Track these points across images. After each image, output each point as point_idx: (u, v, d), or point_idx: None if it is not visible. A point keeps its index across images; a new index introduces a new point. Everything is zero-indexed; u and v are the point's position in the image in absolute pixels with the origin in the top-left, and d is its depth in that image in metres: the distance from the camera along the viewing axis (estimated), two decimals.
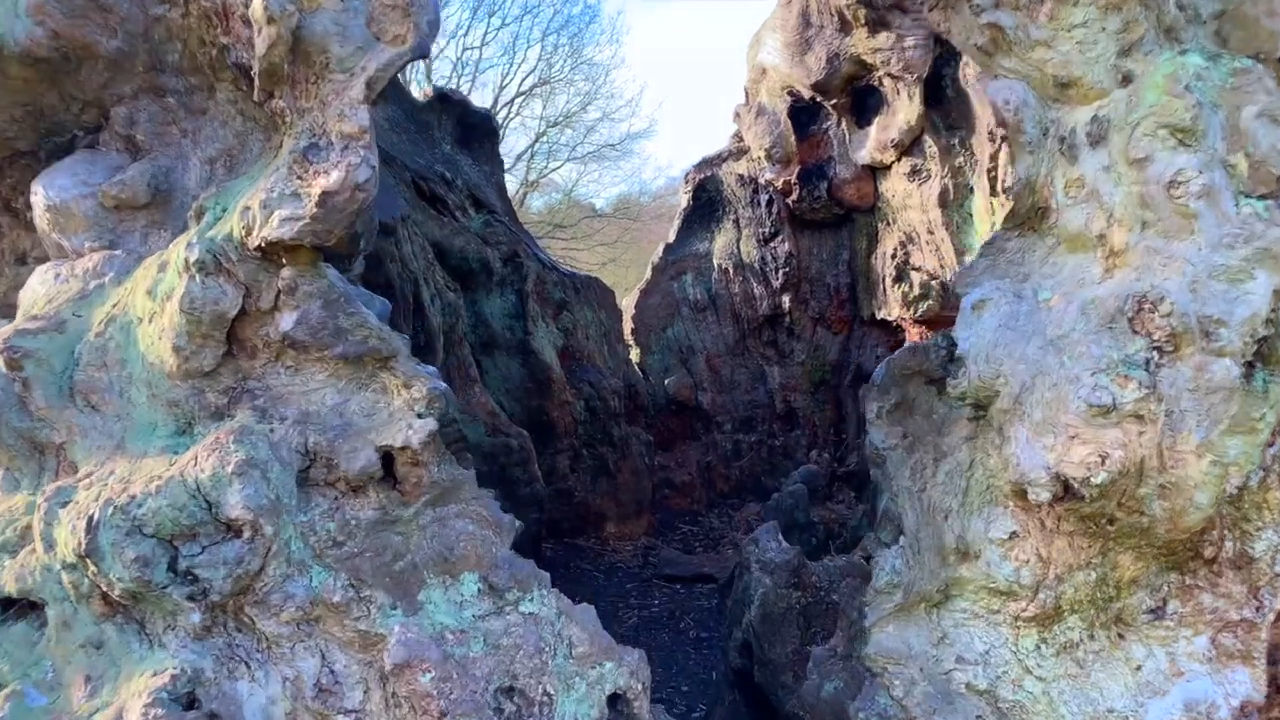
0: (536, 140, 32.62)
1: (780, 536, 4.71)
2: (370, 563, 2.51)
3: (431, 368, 3.04)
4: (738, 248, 9.50)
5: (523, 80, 27.87)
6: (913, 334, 8.97)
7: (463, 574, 2.62)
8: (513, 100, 28.69)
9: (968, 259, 8.32)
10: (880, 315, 9.08)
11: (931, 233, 8.44)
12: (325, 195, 2.37)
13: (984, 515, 2.74)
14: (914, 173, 8.35)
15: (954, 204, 8.24)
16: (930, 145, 8.17)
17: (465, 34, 25.29)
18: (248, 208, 2.48)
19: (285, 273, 2.49)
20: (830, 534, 7.27)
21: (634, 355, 9.54)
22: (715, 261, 9.59)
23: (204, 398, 2.54)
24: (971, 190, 8.16)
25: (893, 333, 9.31)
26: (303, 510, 2.46)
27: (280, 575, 2.38)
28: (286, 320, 2.49)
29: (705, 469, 9.57)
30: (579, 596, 7.52)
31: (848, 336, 9.60)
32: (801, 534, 6.72)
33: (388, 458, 2.63)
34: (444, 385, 2.83)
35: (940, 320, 8.67)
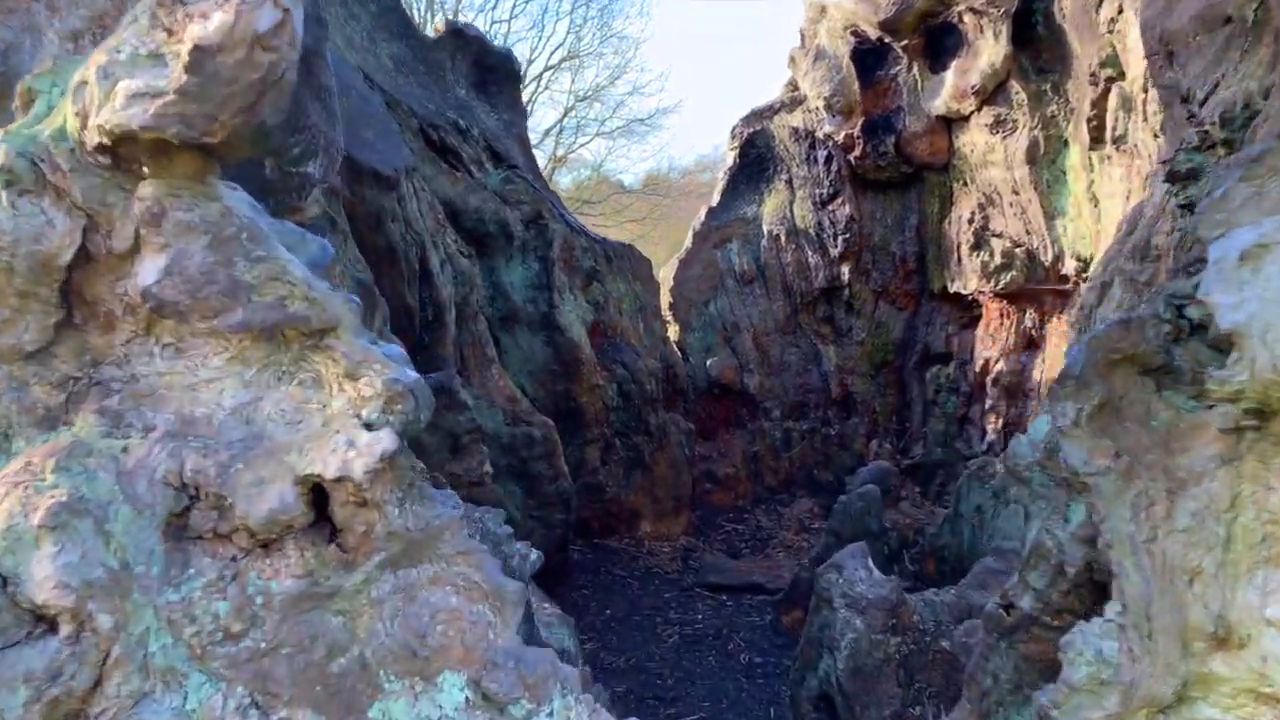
0: (565, 115, 31.58)
1: (870, 563, 3.69)
2: (289, 665, 1.52)
3: (397, 347, 2.03)
4: (790, 211, 8.43)
5: (551, 54, 26.79)
6: (991, 310, 7.87)
7: (442, 674, 1.62)
8: (541, 74, 27.67)
9: (1059, 223, 7.22)
10: (953, 288, 7.99)
11: (1016, 193, 7.33)
12: (199, 53, 1.38)
13: (1259, 582, 1.74)
14: (997, 124, 7.23)
15: (1044, 160, 7.12)
16: (1017, 92, 7.04)
17: (494, 7, 24.23)
18: (84, 82, 1.50)
19: (145, 190, 1.51)
20: (904, 542, 6.25)
21: (672, 333, 8.52)
22: (765, 227, 8.53)
23: (26, 394, 1.58)
24: (1066, 144, 7.03)
25: (966, 308, 8.22)
26: (172, 583, 1.48)
27: (129, 694, 1.41)
28: (148, 269, 1.51)
29: (751, 460, 8.55)
30: (612, 609, 6.55)
31: (914, 312, 8.51)
32: (874, 543, 5.70)
33: (319, 493, 1.63)
34: (414, 376, 1.83)
35: (1025, 294, 7.57)
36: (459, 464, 5.41)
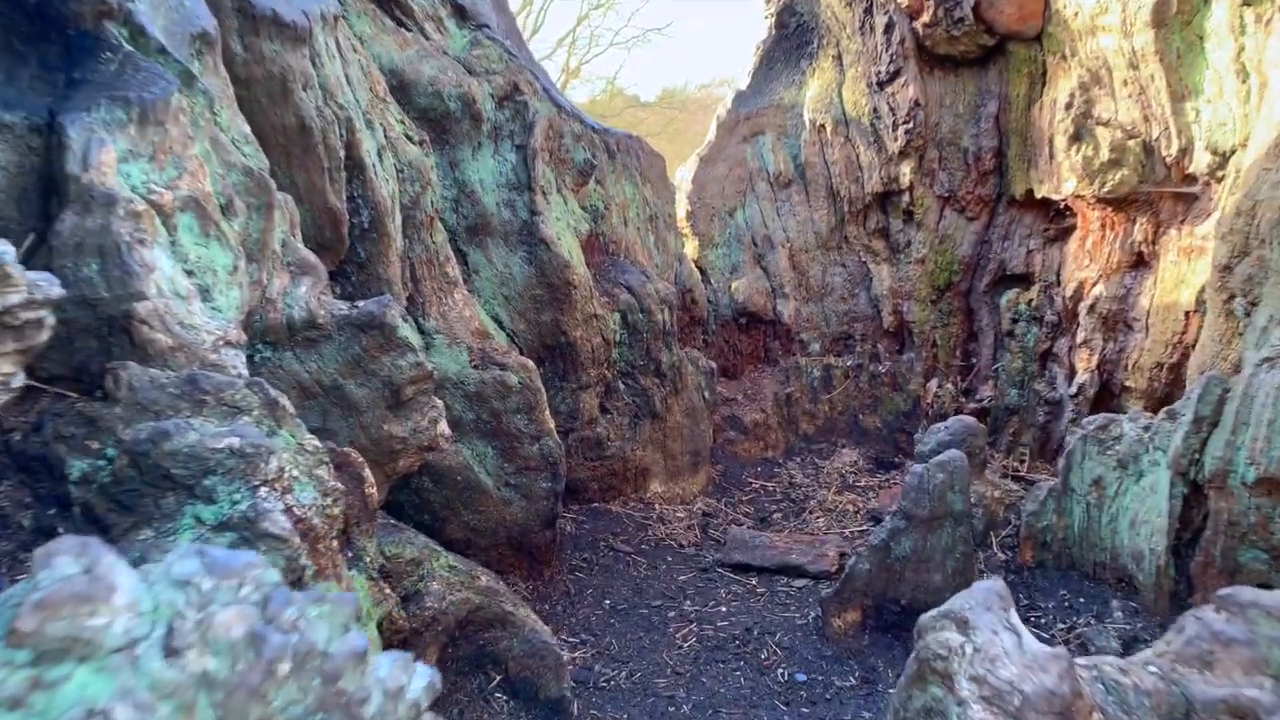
0: (578, 24, 30.09)
1: (1017, 620, 2.24)
2: None
3: None
4: (839, 96, 6.79)
5: None
6: (1090, 219, 6.28)
7: None
8: None
9: (1190, 106, 5.59)
10: (1041, 192, 6.39)
11: (1135, 67, 5.68)
12: None
13: None
14: None
15: (1176, 21, 5.45)
16: None
17: None
18: None
19: None
20: (991, 521, 4.81)
21: (690, 248, 6.99)
22: (806, 116, 6.91)
23: None
24: (1207, 1, 5.36)
25: (1056, 217, 6.63)
26: None
27: None
28: None
29: (785, 404, 7.09)
30: (613, 597, 5.15)
31: (988, 223, 6.93)
32: (956, 527, 4.27)
33: None
34: None
35: (1137, 198, 5.97)
36: (401, 424, 3.98)
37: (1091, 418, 4.44)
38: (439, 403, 4.14)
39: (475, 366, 4.65)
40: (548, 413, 4.79)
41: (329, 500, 2.87)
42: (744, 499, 6.55)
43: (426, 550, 3.78)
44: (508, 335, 5.16)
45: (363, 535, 3.22)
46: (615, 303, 5.65)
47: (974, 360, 7.20)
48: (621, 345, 5.76)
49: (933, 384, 7.14)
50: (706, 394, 6.27)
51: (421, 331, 4.64)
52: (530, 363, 4.71)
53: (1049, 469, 6.65)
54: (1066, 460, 4.46)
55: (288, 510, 2.62)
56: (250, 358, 3.69)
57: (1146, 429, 4.23)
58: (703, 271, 6.97)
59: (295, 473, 2.75)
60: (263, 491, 2.57)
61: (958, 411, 7.10)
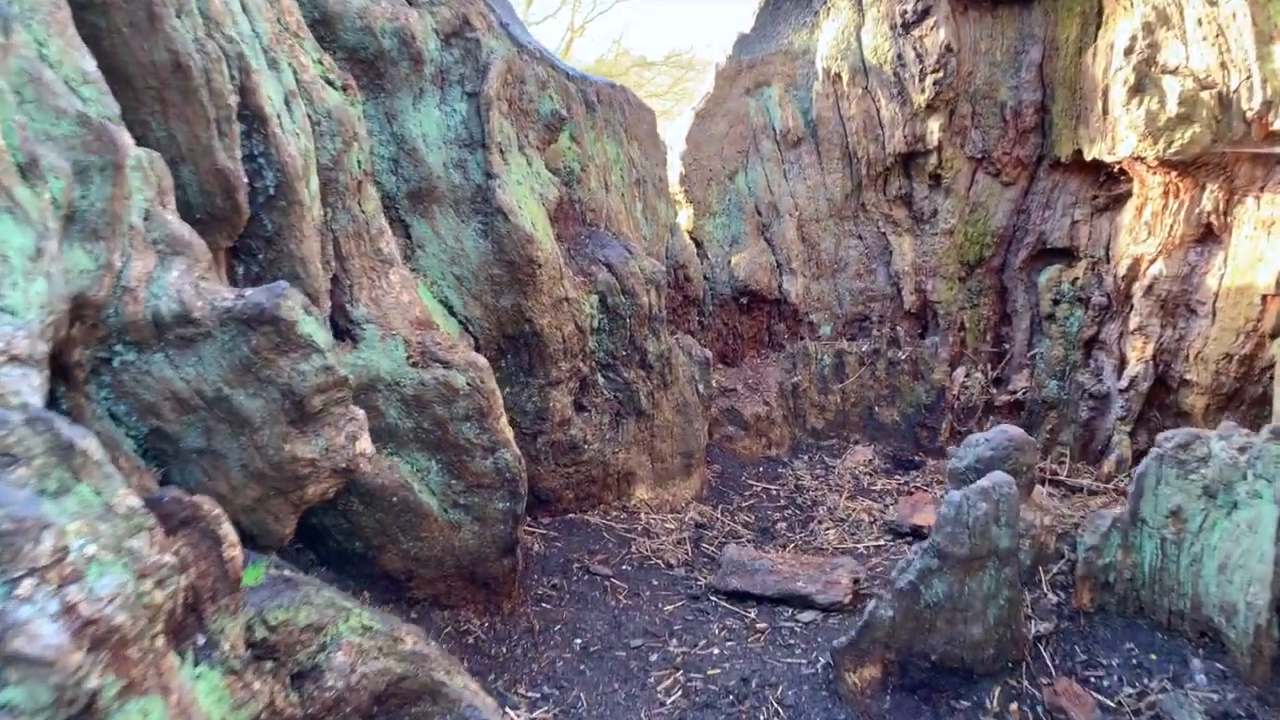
0: None
1: None
2: None
3: None
4: (858, 40, 5.87)
5: None
6: (1149, 185, 5.38)
7: None
8: None
9: (1279, 50, 4.66)
10: (1093, 153, 5.48)
11: (1213, 3, 4.76)
12: None
13: None
14: None
15: None
16: None
17: None
18: None
19: None
20: (1039, 554, 3.97)
21: (684, 217, 6.11)
22: (819, 64, 5.98)
23: None
24: None
25: (1106, 182, 5.73)
26: None
27: None
28: None
29: (790, 395, 6.25)
30: (585, 635, 4.00)
31: (1026, 189, 6.03)
32: (999, 568, 3.44)
33: None
34: None
35: (1208, 161, 5.07)
36: (309, 442, 3.17)
37: (1170, 433, 3.58)
38: (359, 414, 3.32)
39: (414, 364, 3.80)
40: (504, 420, 3.95)
41: (150, 583, 2.04)
42: (743, 505, 5.73)
43: (331, 610, 2.96)
44: (460, 323, 4.31)
45: (221, 613, 2.40)
46: (592, 282, 4.79)
47: (1007, 346, 6.34)
48: (600, 332, 4.91)
49: (960, 372, 6.29)
50: (701, 387, 5.43)
51: (350, 321, 3.80)
52: (481, 360, 3.86)
53: (1092, 471, 5.82)
54: (1137, 485, 3.61)
55: (68, 610, 1.80)
56: (108, 361, 2.87)
57: (1243, 450, 3.38)
58: (698, 244, 6.09)
59: (92, 550, 1.92)
60: (24, 587, 1.75)
61: (988, 405, 6.27)
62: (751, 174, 6.08)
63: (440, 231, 4.21)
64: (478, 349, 4.39)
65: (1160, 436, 3.62)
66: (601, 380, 5.00)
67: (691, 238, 6.08)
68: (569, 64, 5.05)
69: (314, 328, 3.09)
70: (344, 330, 3.84)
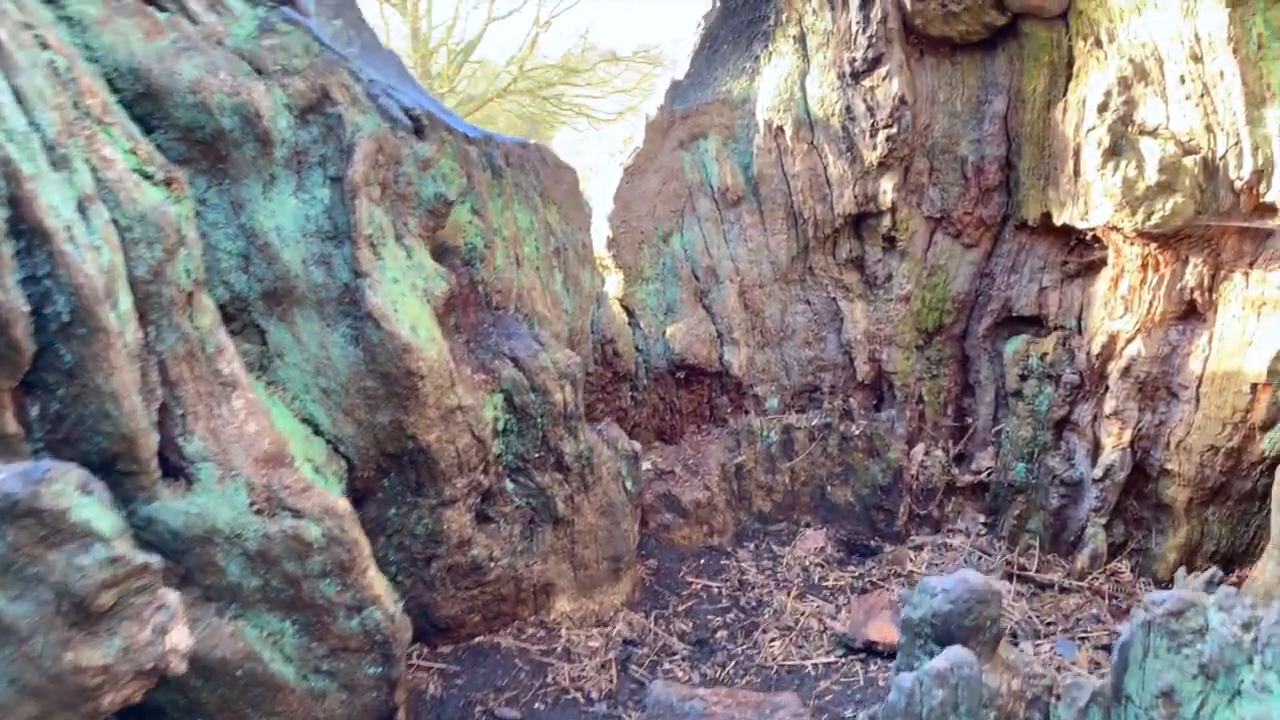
0: None
1: None
2: None
3: None
4: (801, 90, 5.27)
5: None
6: (1125, 255, 4.83)
7: None
8: None
9: (1272, 113, 4.13)
10: (1062, 218, 4.93)
11: (1198, 59, 4.21)
12: None
13: None
14: None
15: (1259, 1, 3.99)
16: None
17: None
18: None
19: None
20: None
21: (613, 284, 5.48)
22: (760, 116, 5.38)
23: None
24: None
25: (1077, 248, 5.18)
26: None
27: None
28: None
29: (734, 476, 5.65)
30: None
31: (990, 251, 5.47)
32: None
33: None
34: None
35: (1191, 234, 4.52)
36: (98, 646, 2.54)
37: (1158, 596, 3.00)
38: (170, 599, 2.68)
39: (259, 512, 3.15)
40: (372, 572, 3.31)
41: None
42: (680, 609, 5.12)
43: None
44: (328, 442, 3.65)
45: None
46: (495, 380, 4.15)
47: (969, 420, 5.77)
48: (507, 434, 4.28)
49: (918, 450, 5.71)
50: (629, 483, 4.81)
51: (183, 458, 3.14)
52: (341, 505, 3.21)
53: (1064, 565, 5.27)
54: (1121, 656, 3.03)
55: None
56: None
57: (1247, 628, 2.81)
58: (630, 312, 5.47)
59: None
60: None
61: (949, 486, 5.70)
62: (688, 235, 5.47)
63: (302, 338, 3.56)
64: (351, 471, 3.74)
65: (1148, 599, 3.04)
66: (510, 487, 4.37)
67: (622, 306, 5.46)
68: (466, 123, 4.40)
69: (94, 511, 2.44)
70: (176, 468, 3.18)
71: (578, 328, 5.05)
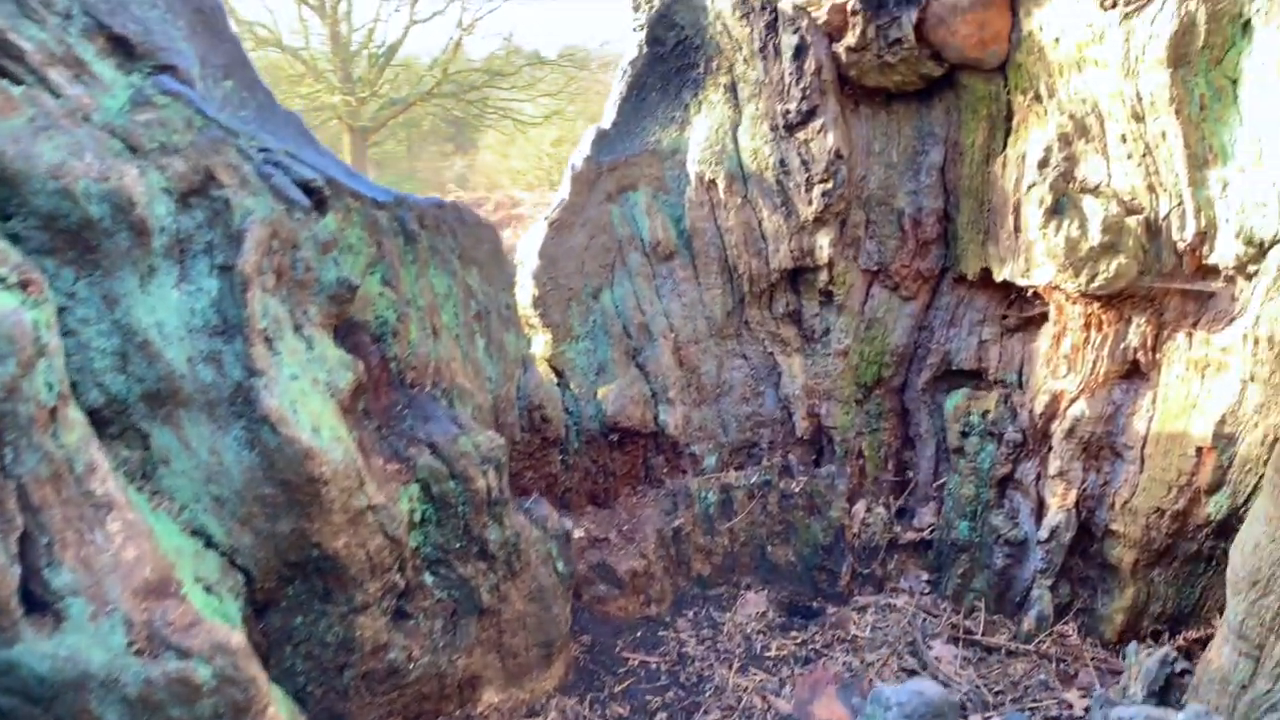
0: None
1: None
2: None
3: None
4: (733, 141, 5.04)
5: None
6: (1068, 314, 4.70)
7: None
8: None
9: (1215, 175, 4.02)
10: (1003, 274, 4.79)
11: (1139, 119, 4.08)
12: None
13: None
14: None
15: (1203, 58, 3.88)
16: None
17: None
18: None
19: None
20: None
21: (540, 344, 5.19)
22: (691, 167, 5.14)
23: None
24: (1247, 30, 3.80)
25: (1017, 302, 5.05)
26: None
27: None
28: None
29: (672, 541, 5.39)
30: None
31: (928, 304, 5.31)
32: None
33: None
34: None
35: (1135, 294, 4.41)
36: None
37: (1124, 714, 2.83)
38: None
39: (139, 652, 2.79)
40: (271, 710, 2.96)
41: None
42: (617, 690, 4.84)
43: None
44: (222, 554, 3.29)
45: None
46: (411, 469, 3.82)
47: (910, 474, 5.62)
48: (426, 524, 3.95)
49: (859, 508, 5.53)
50: (560, 565, 4.52)
51: (49, 593, 2.77)
52: (234, 640, 2.86)
53: (1010, 627, 5.13)
54: None
55: None
56: None
57: None
58: (559, 373, 5.18)
59: None
60: None
61: (891, 544, 5.53)
62: (618, 291, 5.20)
63: (190, 442, 3.19)
64: (250, 584, 3.38)
65: (1114, 716, 2.86)
66: (430, 580, 4.04)
67: (551, 367, 5.17)
68: (378, 187, 4.07)
69: None
70: (41, 604, 2.80)
71: (502, 395, 4.74)
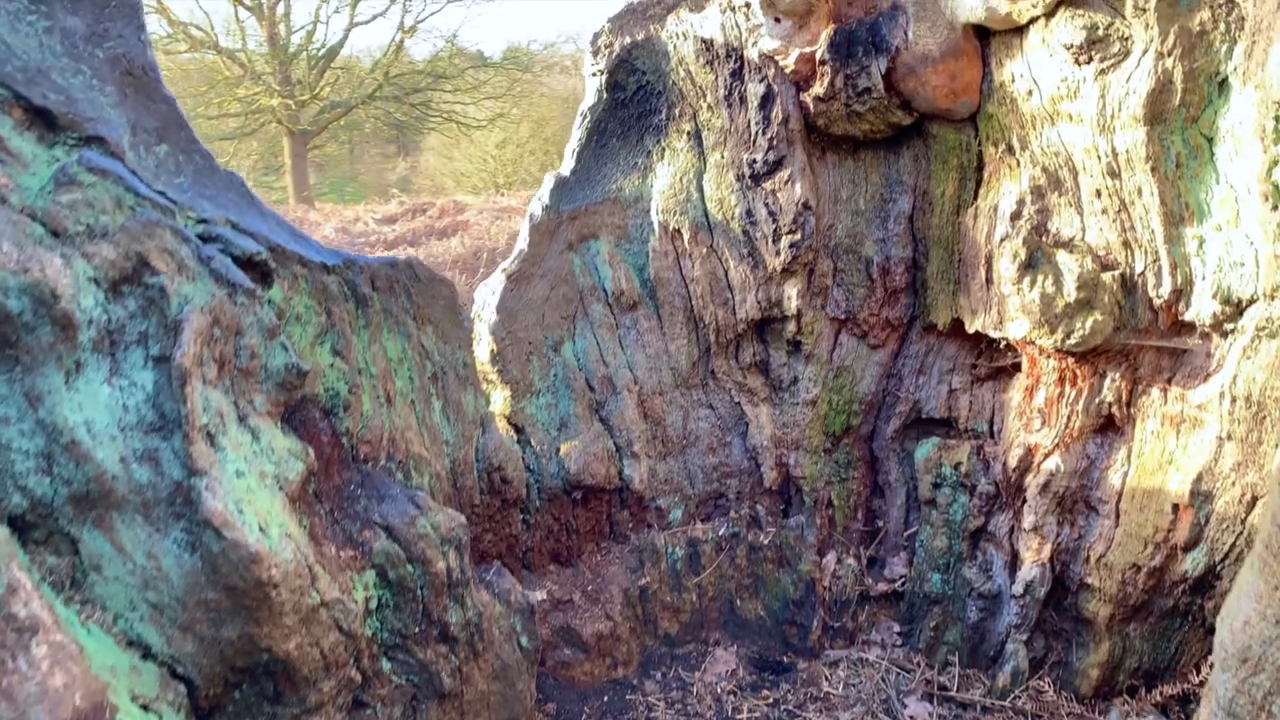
0: None
1: None
2: None
3: None
4: (698, 190, 4.88)
5: None
6: (1041, 368, 4.62)
7: None
8: None
9: (1190, 232, 3.95)
10: (975, 326, 4.69)
11: (1115, 175, 4.00)
12: None
13: None
14: (1089, 44, 3.83)
15: (1180, 116, 3.80)
16: None
17: None
18: None
19: None
20: None
21: (499, 400, 4.97)
22: (655, 216, 4.96)
23: None
24: (1224, 87, 3.73)
25: (989, 352, 4.96)
26: None
27: None
28: None
29: (638, 600, 5.20)
30: None
31: (897, 351, 5.20)
32: None
33: None
34: None
35: (1109, 349, 4.33)
36: None
37: None
38: None
39: None
40: None
41: None
42: None
43: None
44: (162, 665, 3.03)
45: None
46: (367, 555, 3.59)
47: (880, 523, 5.50)
48: (382, 610, 3.72)
49: (830, 559, 5.40)
50: (524, 640, 4.31)
51: None
52: None
53: (984, 682, 5.03)
54: None
55: None
56: None
57: None
58: (519, 430, 4.97)
59: None
60: None
61: (863, 596, 5.41)
62: (580, 343, 5.00)
63: (125, 546, 2.93)
64: (193, 693, 3.13)
65: None
66: (388, 666, 3.80)
67: (510, 424, 4.95)
68: (326, 250, 3.83)
69: None
70: None
71: (460, 459, 4.52)
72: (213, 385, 2.92)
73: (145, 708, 2.89)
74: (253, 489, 3.01)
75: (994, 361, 4.91)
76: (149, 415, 2.86)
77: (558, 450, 5.00)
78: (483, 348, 4.82)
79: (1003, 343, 4.73)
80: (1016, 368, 4.82)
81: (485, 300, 4.83)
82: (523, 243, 4.83)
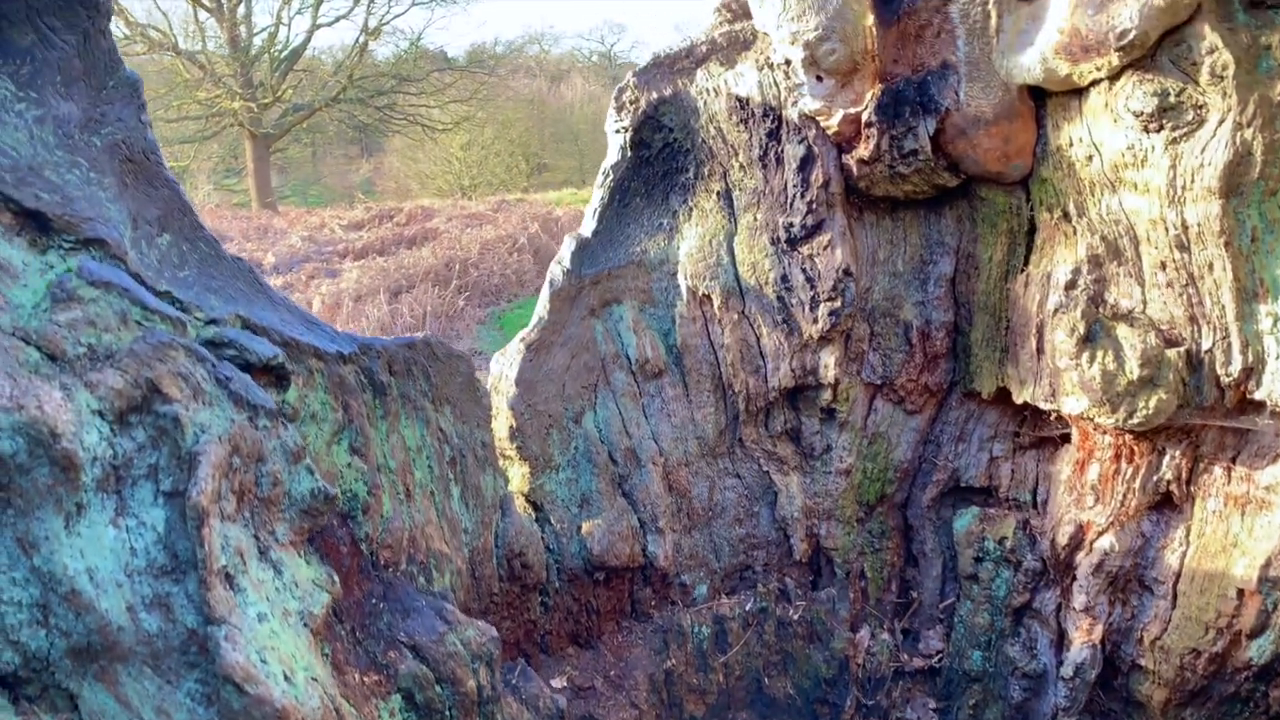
0: None
1: None
2: None
3: None
4: (728, 253, 4.59)
5: None
6: (1095, 443, 4.37)
7: None
8: None
9: (1263, 309, 3.72)
10: (1024, 396, 4.44)
11: (1184, 249, 3.77)
12: None
13: None
14: (1160, 112, 3.59)
15: (1256, 189, 3.58)
16: (1211, 46, 3.41)
17: None
18: None
19: None
20: None
21: (517, 477, 4.64)
22: (683, 280, 4.66)
23: None
24: None
25: (1032, 420, 4.71)
26: None
27: None
28: None
29: (664, 685, 4.90)
30: None
31: (934, 417, 4.94)
32: None
33: None
34: None
35: (1171, 427, 4.09)
36: None
37: None
38: None
39: None
40: None
41: None
42: None
43: None
44: None
45: None
46: (391, 680, 3.25)
47: (914, 594, 5.24)
48: None
49: (863, 634, 5.13)
50: None
51: None
52: None
53: None
54: None
55: None
56: None
57: None
58: (538, 507, 4.65)
59: None
60: None
61: (898, 673, 5.14)
62: (602, 413, 4.70)
63: (131, 701, 2.58)
64: None
65: None
66: None
67: (529, 501, 4.63)
68: (342, 338, 3.49)
69: None
70: None
71: (480, 547, 4.20)
72: (231, 520, 2.58)
73: None
74: (276, 632, 2.67)
75: (1038, 430, 4.67)
76: (159, 558, 2.51)
77: (579, 529, 4.68)
78: (500, 422, 4.50)
79: (1052, 415, 4.49)
80: (1065, 438, 4.58)
81: (503, 372, 4.51)
82: (542, 309, 4.52)
